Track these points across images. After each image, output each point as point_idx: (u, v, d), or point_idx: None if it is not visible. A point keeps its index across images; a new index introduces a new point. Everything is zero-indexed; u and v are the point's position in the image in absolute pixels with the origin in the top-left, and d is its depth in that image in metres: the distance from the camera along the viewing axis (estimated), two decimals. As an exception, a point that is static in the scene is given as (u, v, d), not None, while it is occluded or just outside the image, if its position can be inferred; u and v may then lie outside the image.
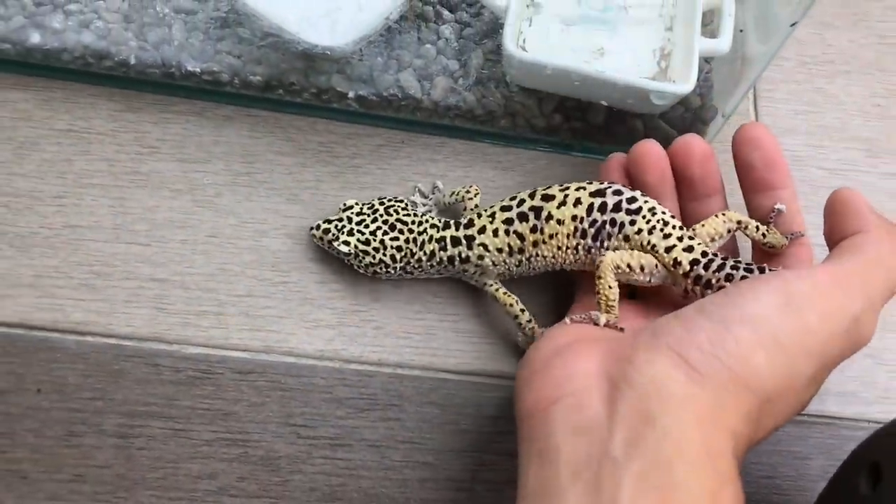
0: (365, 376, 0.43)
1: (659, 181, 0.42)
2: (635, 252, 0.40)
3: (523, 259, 0.42)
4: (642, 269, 0.40)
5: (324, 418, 0.42)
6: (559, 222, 0.41)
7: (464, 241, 0.42)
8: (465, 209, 0.45)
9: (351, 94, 0.46)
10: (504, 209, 0.42)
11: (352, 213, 0.43)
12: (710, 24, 0.46)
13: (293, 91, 0.47)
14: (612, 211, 0.40)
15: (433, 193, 0.47)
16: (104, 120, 0.47)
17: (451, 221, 0.43)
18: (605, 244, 0.40)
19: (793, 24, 0.38)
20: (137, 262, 0.44)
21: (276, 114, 0.48)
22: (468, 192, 0.45)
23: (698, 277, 0.39)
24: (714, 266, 0.39)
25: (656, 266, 0.40)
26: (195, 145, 0.47)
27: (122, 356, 0.42)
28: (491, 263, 0.42)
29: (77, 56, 0.46)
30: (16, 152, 0.46)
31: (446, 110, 0.47)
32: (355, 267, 0.43)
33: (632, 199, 0.40)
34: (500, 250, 0.42)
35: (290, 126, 0.48)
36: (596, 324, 0.39)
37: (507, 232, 0.41)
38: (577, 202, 0.41)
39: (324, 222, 0.43)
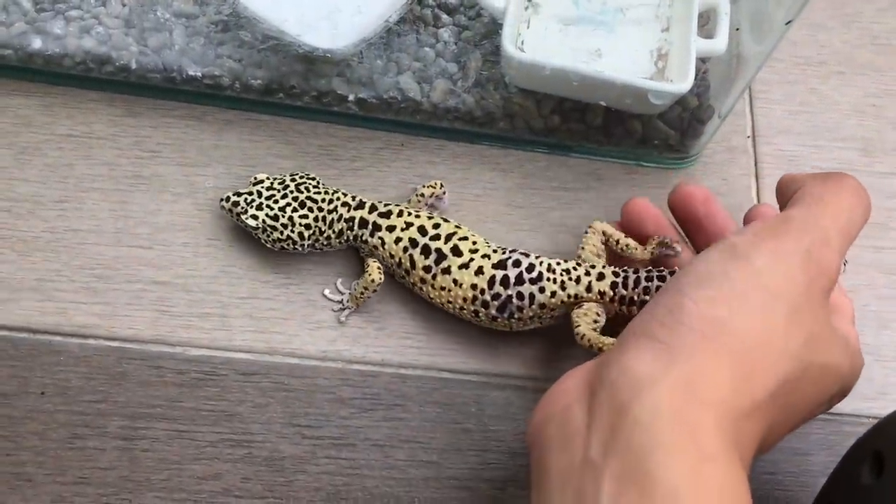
0: (368, 376, 0.43)
1: (657, 228, 0.43)
2: (582, 313, 0.41)
3: (407, 280, 0.43)
4: (598, 314, 0.41)
5: (328, 418, 0.42)
6: (455, 283, 0.41)
7: (370, 226, 0.43)
8: (416, 192, 0.45)
9: (351, 97, 0.47)
10: (420, 230, 0.42)
11: (262, 187, 0.43)
12: (705, 24, 0.46)
13: (293, 94, 0.47)
14: (515, 284, 0.41)
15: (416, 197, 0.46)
16: (105, 125, 0.47)
17: (368, 202, 0.44)
18: (516, 315, 0.41)
19: (788, 23, 0.39)
20: (139, 265, 0.44)
21: (277, 117, 0.48)
22: (433, 186, 0.45)
23: (622, 297, 0.41)
24: (630, 282, 0.40)
25: (596, 306, 0.41)
26: (196, 149, 0.47)
27: (125, 358, 0.43)
28: (380, 258, 0.43)
29: (78, 61, 0.46)
30: (17, 157, 0.46)
31: (445, 112, 0.47)
32: (262, 241, 0.43)
33: (530, 268, 0.41)
34: (392, 255, 0.42)
35: (290, 130, 0.48)
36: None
37: (405, 249, 0.42)
38: (479, 271, 0.41)
39: (233, 194, 0.43)
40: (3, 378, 0.42)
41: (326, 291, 0.45)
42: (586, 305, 0.41)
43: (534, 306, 0.41)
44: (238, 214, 0.43)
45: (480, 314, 0.42)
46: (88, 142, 0.47)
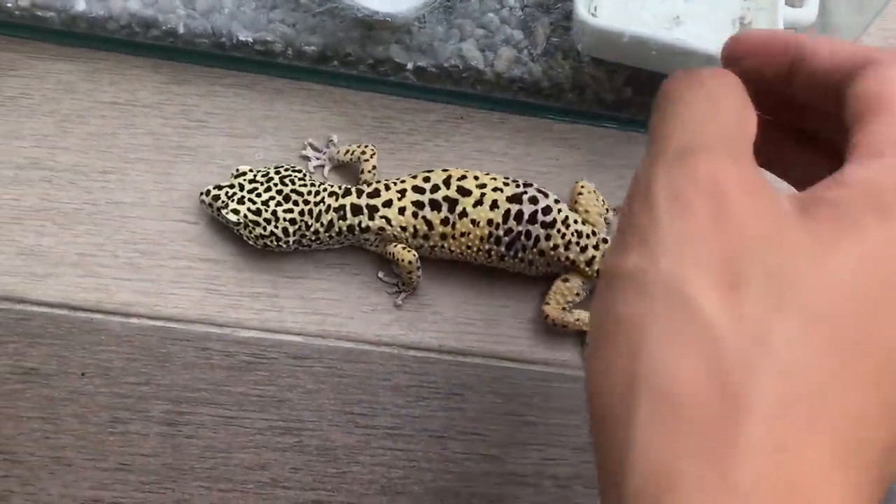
0: (425, 363, 0.41)
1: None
2: (560, 287, 0.41)
3: (426, 245, 0.41)
4: (577, 295, 0.41)
5: (382, 407, 0.40)
6: (473, 223, 0.40)
7: (365, 211, 0.40)
8: (361, 171, 0.43)
9: (409, 66, 0.44)
10: (416, 189, 0.40)
11: (244, 179, 0.41)
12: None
13: (348, 62, 0.44)
14: (527, 222, 0.40)
15: (327, 147, 0.44)
16: (150, 92, 0.45)
17: (353, 188, 0.41)
18: (519, 255, 0.40)
19: (898, -14, 0.35)
20: (185, 240, 0.42)
21: (330, 87, 0.46)
22: (364, 152, 0.43)
23: None
24: None
25: (582, 284, 0.41)
26: (245, 119, 0.45)
27: (170, 339, 0.40)
28: (392, 236, 0.41)
29: (123, 25, 0.44)
30: (59, 125, 0.44)
31: (509, 83, 0.44)
32: (245, 238, 0.41)
33: (546, 210, 0.40)
34: (403, 228, 0.40)
35: (343, 100, 0.46)
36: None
37: (414, 214, 0.40)
38: (494, 205, 0.40)
39: (214, 188, 0.41)
40: (43, 357, 0.40)
41: (381, 274, 0.42)
42: (571, 281, 0.41)
43: (534, 249, 0.40)
44: (218, 209, 0.40)
45: (492, 252, 0.40)
46: (132, 110, 0.45)
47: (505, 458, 0.40)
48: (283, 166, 0.42)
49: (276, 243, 0.40)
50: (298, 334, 0.41)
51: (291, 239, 0.40)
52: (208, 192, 0.41)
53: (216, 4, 0.44)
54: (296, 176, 0.41)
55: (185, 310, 0.41)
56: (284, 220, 0.40)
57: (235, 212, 0.40)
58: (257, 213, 0.40)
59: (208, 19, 0.44)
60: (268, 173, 0.41)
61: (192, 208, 0.43)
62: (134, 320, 0.41)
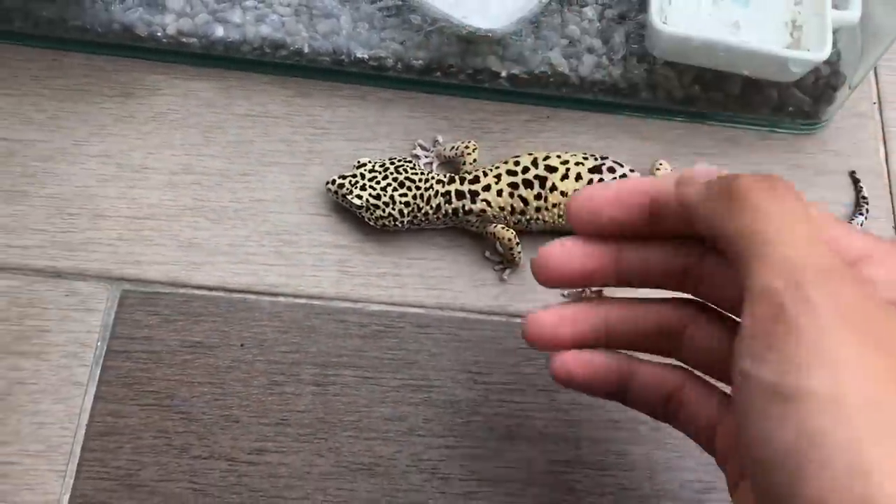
0: (530, 328, 0.47)
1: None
2: None
3: (523, 219, 0.47)
4: None
5: (497, 366, 0.46)
6: (563, 194, 0.46)
7: (468, 195, 0.47)
8: (463, 163, 0.49)
9: (504, 73, 0.51)
10: (510, 173, 0.47)
11: (365, 170, 0.47)
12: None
13: (450, 73, 0.51)
14: None
15: (434, 146, 0.51)
16: (279, 105, 0.52)
17: (456, 176, 0.48)
18: None
19: (934, -9, 0.41)
20: (320, 230, 0.49)
21: (433, 95, 0.53)
22: (467, 147, 0.49)
23: None
24: None
25: None
26: (362, 126, 0.52)
27: (313, 314, 0.47)
28: (492, 216, 0.47)
29: (255, 47, 0.51)
30: (203, 135, 0.51)
31: (592, 85, 0.51)
32: (366, 219, 0.47)
33: (624, 177, 0.46)
34: (501, 208, 0.47)
35: (444, 106, 0.53)
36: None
37: (511, 195, 0.47)
38: (578, 177, 0.46)
39: (339, 177, 0.47)
40: (207, 332, 0.47)
41: (487, 253, 0.49)
42: None
43: None
44: (343, 195, 0.47)
45: None
46: (265, 120, 0.52)
47: (605, 406, 0.46)
48: (396, 157, 0.48)
49: (393, 223, 0.47)
50: (420, 306, 0.48)
51: (406, 219, 0.47)
52: (334, 182, 0.47)
53: (335, 27, 0.51)
54: (408, 165, 0.48)
55: (325, 289, 0.48)
56: (400, 202, 0.47)
57: (359, 197, 0.47)
58: (377, 197, 0.47)
59: (329, 40, 0.51)
60: (384, 163, 0.48)
61: (323, 203, 0.50)
62: (281, 299, 0.47)
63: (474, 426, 0.45)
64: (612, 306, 0.33)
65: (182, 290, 0.48)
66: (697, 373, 0.33)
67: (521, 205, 0.47)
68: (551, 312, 0.33)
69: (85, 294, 0.47)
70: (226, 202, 0.50)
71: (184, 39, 0.51)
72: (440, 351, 0.47)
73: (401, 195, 0.47)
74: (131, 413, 0.45)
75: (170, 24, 0.51)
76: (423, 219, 0.47)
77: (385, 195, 0.47)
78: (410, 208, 0.47)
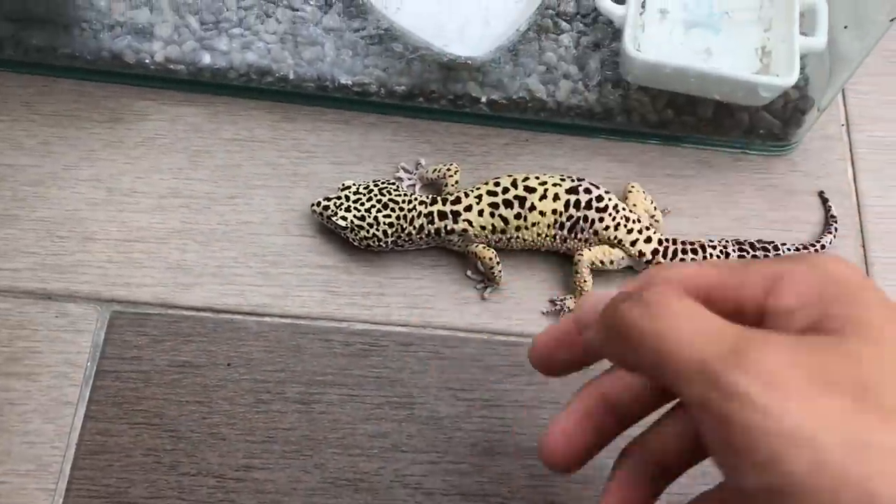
0: (511, 346, 0.49)
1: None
2: (605, 248, 0.49)
3: (503, 238, 0.49)
4: (612, 262, 0.49)
5: (478, 383, 0.48)
6: (542, 214, 0.48)
7: (450, 216, 0.48)
8: (446, 185, 0.51)
9: (483, 99, 0.52)
10: (490, 193, 0.48)
11: (349, 192, 0.49)
12: (802, 25, 0.51)
13: (432, 98, 0.53)
14: (584, 208, 0.48)
15: (416, 169, 0.52)
16: (265, 129, 0.53)
17: (438, 197, 0.49)
18: (578, 236, 0.48)
19: (893, 19, 0.43)
20: (306, 251, 0.50)
21: (415, 120, 0.54)
22: (449, 169, 0.51)
23: (658, 264, 0.48)
24: (670, 253, 0.49)
25: (622, 258, 0.49)
26: (346, 149, 0.53)
27: (299, 333, 0.48)
28: (473, 236, 0.48)
29: (242, 73, 0.52)
30: (191, 160, 0.52)
31: (568, 110, 0.52)
32: (351, 240, 0.49)
33: (599, 198, 0.48)
34: (483, 227, 0.48)
35: (427, 130, 0.54)
36: (569, 309, 0.48)
37: (491, 214, 0.48)
38: (556, 197, 0.48)
39: (324, 199, 0.49)
40: (195, 352, 0.48)
41: (469, 272, 0.50)
42: (615, 250, 0.49)
43: (590, 230, 0.48)
44: (329, 217, 0.48)
45: (557, 237, 0.48)
46: (252, 145, 0.53)
47: (583, 422, 0.47)
48: (380, 180, 0.50)
49: (377, 243, 0.48)
50: (404, 325, 0.49)
51: (390, 240, 0.48)
52: (319, 203, 0.49)
53: (320, 54, 0.52)
54: (391, 187, 0.49)
55: (310, 309, 0.49)
56: (384, 223, 0.48)
57: (343, 218, 0.48)
58: (361, 218, 0.48)
59: (313, 66, 0.52)
60: (368, 185, 0.49)
61: (309, 224, 0.51)
62: (267, 319, 0.49)
63: (456, 442, 0.47)
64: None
65: (171, 311, 0.49)
66: None
67: (502, 224, 0.48)
68: (547, 335, 0.34)
69: (75, 315, 0.48)
70: (213, 224, 0.51)
71: (171, 66, 0.52)
72: (423, 368, 0.48)
73: (384, 216, 0.48)
74: (121, 432, 0.46)
75: (158, 51, 0.52)
76: (406, 239, 0.49)
77: (369, 216, 0.48)
78: (394, 229, 0.48)
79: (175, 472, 0.45)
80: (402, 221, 0.48)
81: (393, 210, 0.48)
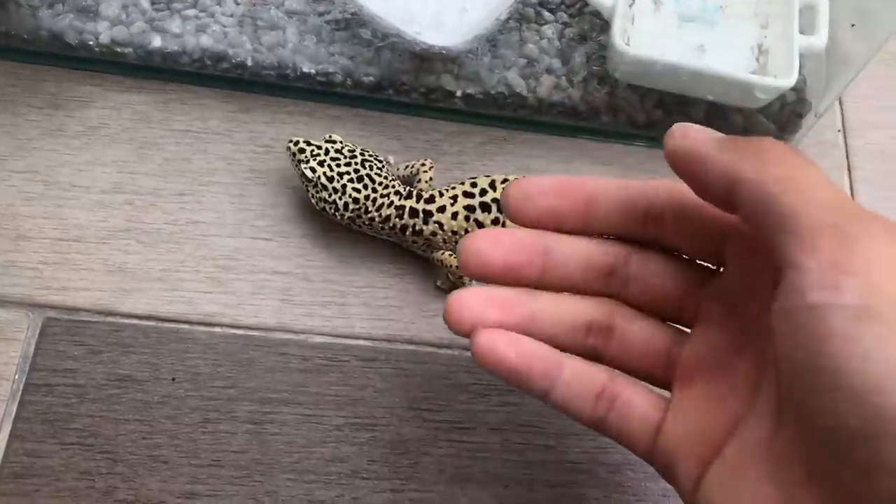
0: (483, 363, 0.45)
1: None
2: None
3: None
4: None
5: (447, 403, 0.44)
6: None
7: (421, 215, 0.44)
8: (419, 181, 0.46)
9: (459, 93, 0.48)
10: (466, 195, 0.44)
11: (332, 147, 0.44)
12: (801, 22, 0.48)
13: (402, 91, 0.48)
14: None
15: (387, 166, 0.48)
16: (220, 121, 0.49)
17: (414, 192, 0.45)
18: None
19: (904, 18, 0.40)
20: (261, 255, 0.46)
21: (384, 113, 0.50)
22: (423, 164, 0.47)
23: None
24: None
25: None
26: (308, 144, 0.49)
27: (251, 346, 0.44)
28: (441, 241, 0.44)
29: (195, 59, 0.48)
30: (137, 152, 0.48)
31: (550, 107, 0.49)
32: (310, 196, 0.44)
33: None
34: (454, 232, 0.44)
35: (396, 125, 0.50)
36: None
37: (466, 218, 0.43)
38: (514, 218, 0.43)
39: (304, 142, 0.44)
40: (136, 365, 0.43)
41: (438, 282, 0.46)
42: None
43: None
44: (299, 161, 0.44)
45: None
46: (205, 137, 0.48)
47: (560, 448, 0.44)
48: (369, 151, 0.45)
49: (333, 211, 0.44)
50: (366, 338, 0.45)
51: (347, 214, 0.44)
52: (297, 143, 0.44)
53: (281, 39, 0.48)
54: (376, 164, 0.45)
55: (264, 319, 0.45)
56: (349, 196, 0.43)
57: (312, 170, 0.43)
58: (330, 179, 0.43)
59: (274, 53, 0.48)
60: (354, 151, 0.44)
61: (265, 226, 0.47)
62: (217, 329, 0.44)
63: (422, 468, 0.43)
64: (541, 297, 0.33)
65: (110, 319, 0.44)
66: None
67: (477, 229, 0.44)
68: (478, 293, 0.32)
69: (3, 322, 0.44)
70: (160, 224, 0.46)
71: (118, 49, 0.48)
72: (387, 386, 0.44)
73: (353, 188, 0.44)
74: (51, 453, 0.41)
75: (103, 32, 0.47)
76: (366, 222, 0.44)
77: (338, 181, 0.43)
78: (357, 206, 0.44)
79: (110, 498, 0.41)
80: (367, 202, 0.44)
81: (366, 186, 0.44)
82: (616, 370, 0.33)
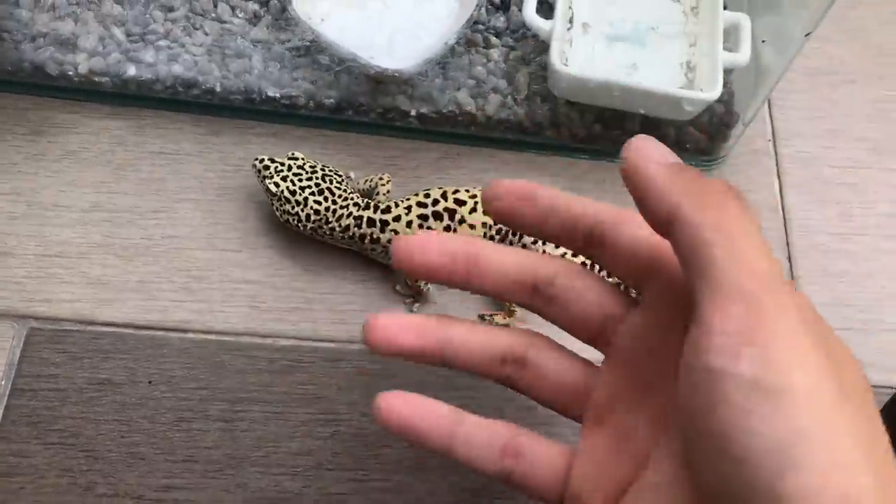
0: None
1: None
2: None
3: None
4: None
5: (406, 398, 0.47)
6: (471, 227, 0.47)
7: (378, 224, 0.47)
8: (377, 193, 0.50)
9: (413, 112, 0.52)
10: (420, 205, 0.48)
11: (294, 163, 0.48)
12: (727, 40, 0.52)
13: (361, 111, 0.52)
14: None
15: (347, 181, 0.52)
16: (192, 143, 0.53)
17: (372, 203, 0.48)
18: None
19: (807, 35, 0.44)
20: (231, 266, 0.49)
21: (345, 133, 0.54)
22: (381, 178, 0.51)
23: None
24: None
25: None
26: (274, 162, 0.52)
27: (223, 350, 0.47)
28: None
29: (168, 86, 0.52)
30: (115, 173, 0.51)
31: (498, 124, 0.52)
32: (274, 209, 0.48)
33: None
34: None
35: (357, 143, 0.54)
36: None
37: (420, 226, 0.47)
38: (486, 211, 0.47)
39: (268, 160, 0.48)
40: (114, 369, 0.46)
41: (398, 287, 0.50)
42: None
43: (519, 243, 0.48)
44: (264, 177, 0.47)
45: None
46: (178, 157, 0.52)
47: (511, 437, 0.47)
48: (330, 167, 0.49)
49: (296, 223, 0.47)
50: (331, 341, 0.48)
51: (310, 225, 0.47)
52: (262, 161, 0.48)
53: (247, 66, 0.52)
54: (336, 178, 0.48)
55: (234, 324, 0.48)
56: (310, 208, 0.47)
57: (276, 185, 0.47)
58: (292, 193, 0.47)
59: (241, 79, 0.52)
60: (315, 167, 0.48)
61: (235, 238, 0.50)
62: (190, 335, 0.48)
63: (383, 459, 0.46)
64: (457, 325, 0.34)
65: (90, 328, 0.47)
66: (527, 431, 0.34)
67: None
68: (395, 319, 0.34)
69: (-10, 333, 0.47)
70: (136, 239, 0.50)
71: (96, 79, 0.51)
72: (349, 385, 0.47)
73: (315, 201, 0.47)
74: (35, 452, 0.44)
75: (81, 63, 0.51)
76: (328, 232, 0.48)
77: (300, 194, 0.47)
78: (319, 217, 0.47)
79: (91, 493, 0.44)
80: (328, 213, 0.47)
81: (326, 199, 0.47)
82: (519, 427, 0.34)
